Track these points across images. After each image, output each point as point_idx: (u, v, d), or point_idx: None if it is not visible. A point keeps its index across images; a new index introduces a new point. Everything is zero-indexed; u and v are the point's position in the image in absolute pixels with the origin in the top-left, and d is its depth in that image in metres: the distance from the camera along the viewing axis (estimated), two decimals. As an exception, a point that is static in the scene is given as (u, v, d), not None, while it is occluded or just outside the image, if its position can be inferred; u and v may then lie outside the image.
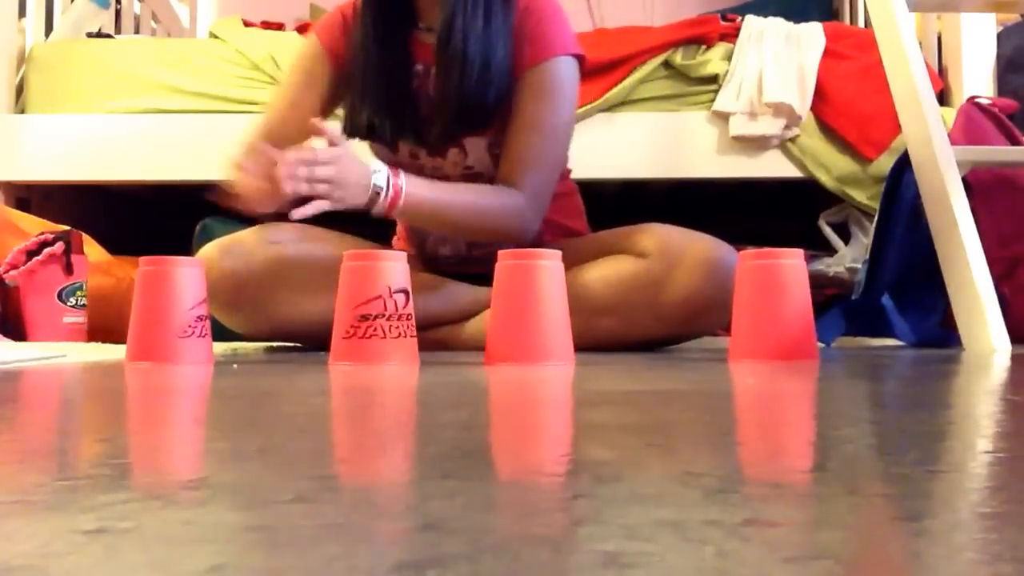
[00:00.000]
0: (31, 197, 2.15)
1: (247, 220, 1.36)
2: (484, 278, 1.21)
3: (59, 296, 1.74)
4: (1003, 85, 1.96)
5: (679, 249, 1.23)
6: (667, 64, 2.03)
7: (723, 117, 1.99)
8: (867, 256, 1.53)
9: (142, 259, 1.01)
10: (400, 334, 0.96)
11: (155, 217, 2.30)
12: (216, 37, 2.18)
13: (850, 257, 1.95)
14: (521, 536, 0.22)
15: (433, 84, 1.32)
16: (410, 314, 0.98)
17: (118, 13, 2.66)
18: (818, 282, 1.70)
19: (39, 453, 0.38)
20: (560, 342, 0.94)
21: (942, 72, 2.08)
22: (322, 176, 1.12)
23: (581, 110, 1.98)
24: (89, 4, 2.33)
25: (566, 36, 1.33)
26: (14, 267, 1.74)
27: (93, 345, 1.57)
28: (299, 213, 1.12)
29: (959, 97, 1.93)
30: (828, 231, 2.03)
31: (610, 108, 2.01)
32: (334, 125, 1.22)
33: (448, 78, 1.27)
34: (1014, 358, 1.04)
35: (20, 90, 2.15)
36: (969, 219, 1.25)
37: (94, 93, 2.09)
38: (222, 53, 2.12)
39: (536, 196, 1.30)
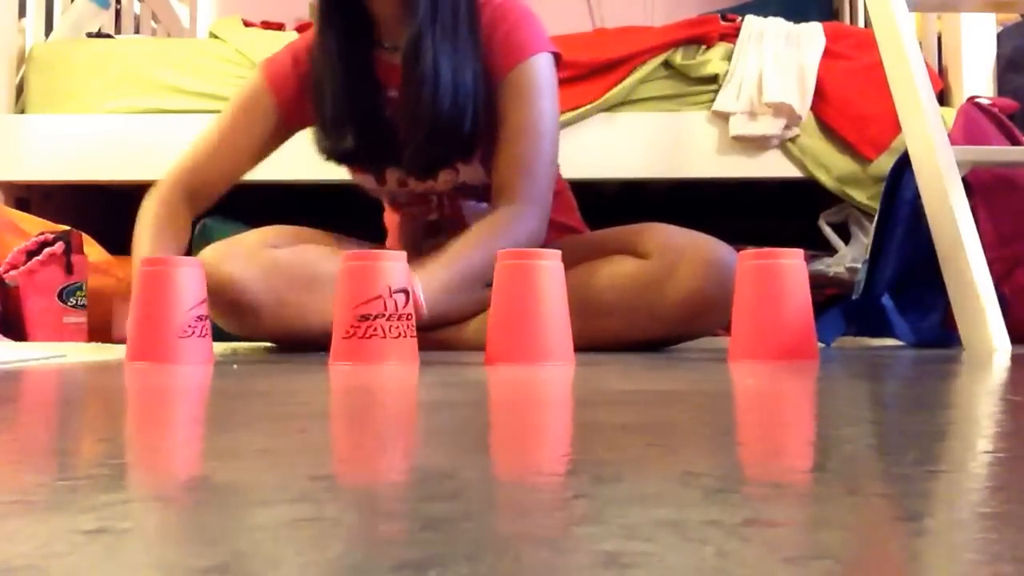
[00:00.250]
0: (31, 197, 2.15)
1: (247, 220, 1.37)
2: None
3: (59, 296, 1.74)
4: (1003, 85, 1.96)
5: (679, 249, 1.23)
6: (667, 64, 2.03)
7: (723, 117, 1.99)
8: (867, 256, 1.53)
9: (142, 259, 1.01)
10: (400, 334, 0.96)
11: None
12: (216, 37, 2.18)
13: (850, 257, 1.95)
14: (521, 536, 0.22)
15: (403, 108, 1.28)
16: (410, 314, 0.98)
17: (118, 13, 2.66)
18: (818, 282, 1.70)
19: (39, 453, 0.38)
20: (560, 342, 0.94)
21: (942, 72, 2.08)
22: None
23: (581, 110, 1.99)
24: (89, 4, 2.33)
25: (538, 36, 1.32)
26: (14, 267, 1.74)
27: (93, 345, 1.57)
28: None
29: (959, 97, 1.93)
30: (828, 231, 2.03)
31: (610, 108, 2.01)
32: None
33: (419, 102, 1.24)
34: (1014, 358, 1.04)
35: (20, 90, 2.15)
36: (969, 219, 1.25)
37: (94, 93, 2.09)
38: (222, 53, 2.12)
39: (538, 201, 1.29)
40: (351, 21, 1.30)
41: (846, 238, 2.01)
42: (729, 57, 2.02)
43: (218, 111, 2.02)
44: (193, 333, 0.97)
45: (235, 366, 0.96)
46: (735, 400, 0.61)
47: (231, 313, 1.27)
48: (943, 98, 2.01)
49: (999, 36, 2.01)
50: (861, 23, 2.69)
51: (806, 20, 2.11)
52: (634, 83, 2.01)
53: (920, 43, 1.60)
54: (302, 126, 1.39)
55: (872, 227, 1.57)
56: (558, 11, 3.20)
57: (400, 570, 0.19)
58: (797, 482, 0.30)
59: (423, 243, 1.40)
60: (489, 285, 0.99)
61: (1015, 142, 1.57)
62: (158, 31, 2.91)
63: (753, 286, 0.98)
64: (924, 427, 0.44)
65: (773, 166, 1.98)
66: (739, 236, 1.50)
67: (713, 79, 2.01)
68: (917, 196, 1.36)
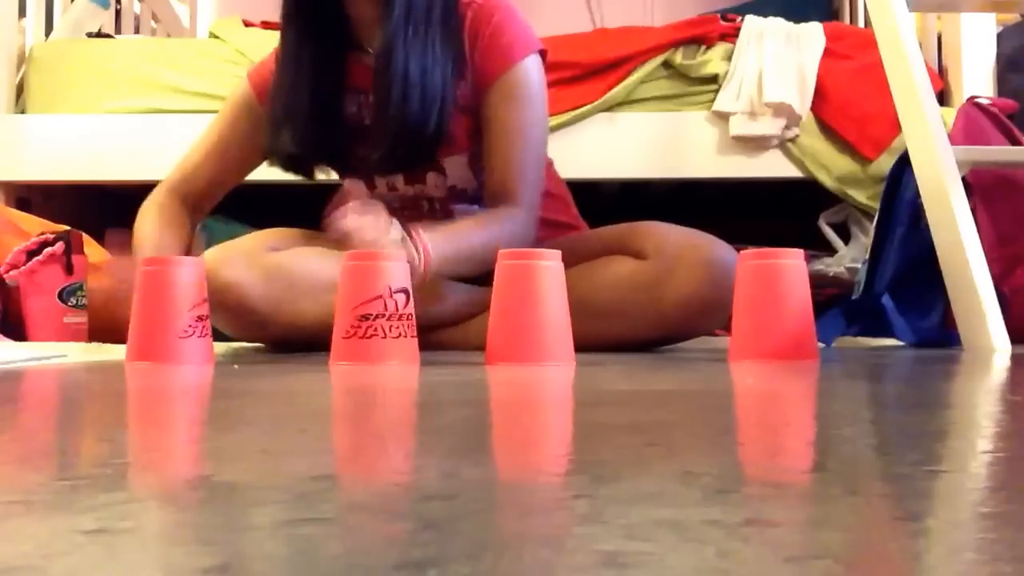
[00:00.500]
0: (31, 197, 2.15)
1: (248, 221, 1.37)
2: (483, 279, 1.21)
3: (59, 296, 1.74)
4: (1003, 85, 1.96)
5: (678, 250, 1.23)
6: (667, 64, 2.03)
7: (723, 117, 1.99)
8: (867, 256, 1.53)
9: (143, 259, 1.00)
10: (400, 334, 0.96)
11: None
12: (216, 37, 2.18)
13: (850, 257, 1.95)
14: (521, 536, 0.22)
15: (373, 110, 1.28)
16: (410, 314, 0.98)
17: (118, 13, 2.66)
18: (818, 282, 1.70)
19: (39, 453, 0.38)
20: (560, 342, 0.94)
21: (942, 72, 2.08)
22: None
23: (581, 110, 1.99)
24: (89, 4, 2.33)
25: (525, 36, 1.31)
26: (14, 267, 1.74)
27: (93, 345, 1.57)
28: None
29: (959, 97, 1.93)
30: (828, 231, 2.03)
31: (610, 108, 2.01)
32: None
33: (387, 103, 1.23)
34: (1014, 358, 1.04)
35: (20, 90, 2.15)
36: (969, 219, 1.25)
37: (94, 93, 2.09)
38: (222, 53, 2.12)
39: (531, 204, 1.30)
40: (317, 24, 1.29)
41: (846, 238, 2.01)
42: (729, 57, 2.02)
43: (218, 111, 2.04)
44: (193, 333, 0.97)
45: (236, 366, 0.96)
46: (735, 400, 0.61)
47: (232, 316, 1.27)
48: (943, 98, 2.01)
49: (999, 36, 2.01)
50: (861, 23, 2.69)
51: (806, 20, 2.10)
52: (634, 83, 2.01)
53: (920, 43, 1.60)
54: None
55: (872, 227, 1.57)
56: (558, 11, 3.21)
57: (400, 570, 0.19)
58: (797, 482, 0.30)
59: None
60: (486, 279, 0.99)
61: (1015, 142, 1.57)
62: (158, 31, 2.91)
63: (753, 286, 0.98)
64: (924, 427, 0.44)
65: (773, 166, 1.98)
66: (739, 236, 1.49)
67: (713, 79, 2.01)
68: (917, 196, 1.36)
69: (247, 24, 2.26)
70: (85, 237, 1.84)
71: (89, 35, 2.28)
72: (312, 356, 1.13)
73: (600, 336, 1.23)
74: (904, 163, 1.43)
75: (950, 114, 1.71)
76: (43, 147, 2.06)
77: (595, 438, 0.40)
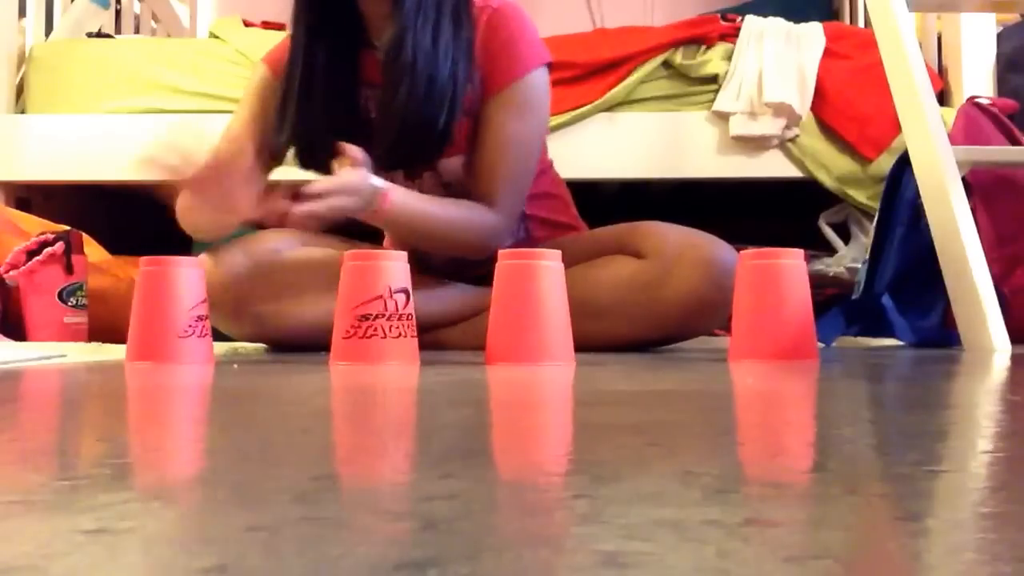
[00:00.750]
0: (31, 197, 2.15)
1: (249, 222, 1.36)
2: (482, 279, 1.21)
3: (59, 296, 1.74)
4: (1003, 85, 1.96)
5: (678, 249, 1.23)
6: (667, 64, 2.03)
7: (723, 117, 1.99)
8: (867, 256, 1.53)
9: (143, 259, 1.00)
10: (400, 334, 0.96)
11: (155, 217, 2.30)
12: (216, 37, 2.18)
13: (850, 257, 1.95)
14: (521, 536, 0.22)
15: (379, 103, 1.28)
16: (410, 314, 0.98)
17: (118, 13, 2.66)
18: (818, 282, 1.70)
19: (39, 453, 0.38)
20: (560, 342, 0.94)
21: (942, 72, 2.08)
22: (339, 205, 1.11)
23: (581, 110, 1.99)
24: (89, 4, 2.33)
25: (535, 47, 1.31)
26: (14, 267, 1.74)
27: (93, 345, 1.57)
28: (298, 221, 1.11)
29: (959, 97, 1.93)
30: (828, 231, 2.03)
31: (610, 108, 2.01)
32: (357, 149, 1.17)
33: (395, 98, 1.23)
34: (1014, 358, 1.04)
35: (20, 90, 2.15)
36: (969, 219, 1.25)
37: (94, 93, 2.09)
38: (222, 53, 2.12)
39: (510, 214, 1.30)
40: (327, 20, 1.29)
41: (846, 238, 2.01)
42: (729, 57, 2.02)
43: (218, 111, 2.04)
44: (193, 333, 0.97)
45: (235, 366, 0.96)
46: (735, 400, 0.61)
47: (232, 316, 1.27)
48: (943, 98, 2.01)
49: (999, 36, 2.01)
50: (861, 23, 2.69)
51: (806, 20, 2.10)
52: (634, 83, 2.01)
53: (920, 43, 1.60)
54: None
55: (872, 227, 1.57)
56: (558, 11, 3.20)
57: (400, 570, 0.19)
58: (797, 482, 0.30)
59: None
60: (486, 279, 0.99)
61: (1015, 142, 1.57)
62: (158, 31, 2.91)
63: (753, 286, 0.98)
64: (924, 427, 0.44)
65: (773, 166, 1.98)
66: (739, 236, 1.49)
67: (713, 79, 2.01)
68: (917, 196, 1.36)
69: (247, 24, 2.26)
70: (85, 237, 1.84)
71: (89, 35, 2.28)
72: (312, 356, 1.13)
73: (600, 336, 1.23)
74: (904, 163, 1.43)
75: (950, 114, 1.71)
76: (43, 147, 2.06)
77: (595, 438, 0.40)
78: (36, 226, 1.85)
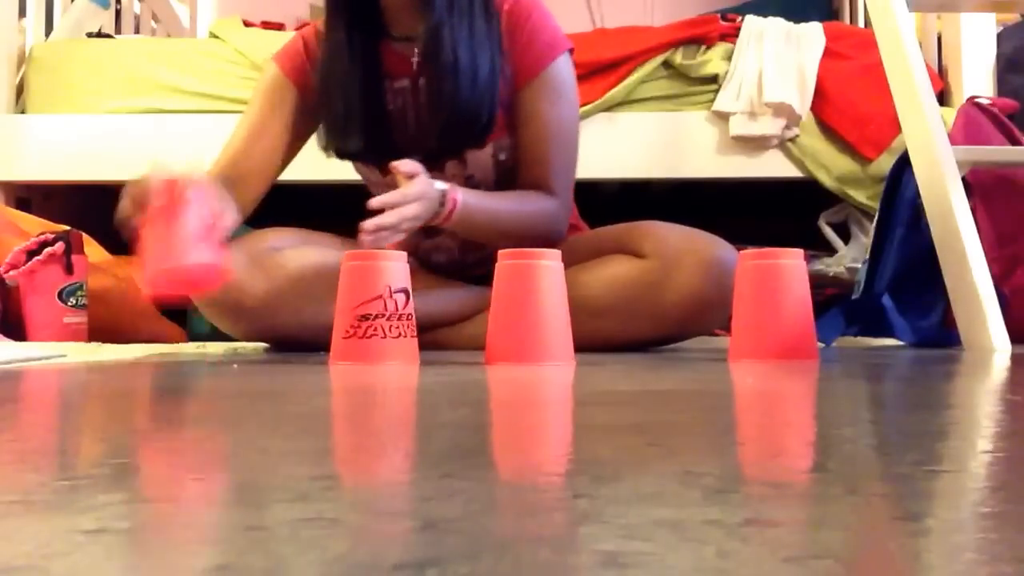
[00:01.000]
0: (31, 197, 2.15)
1: (250, 222, 1.36)
2: (482, 279, 1.21)
3: (59, 296, 1.74)
4: (1003, 85, 1.96)
5: (678, 249, 1.23)
6: (667, 64, 2.03)
7: (723, 117, 1.99)
8: (867, 256, 1.53)
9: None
10: (400, 334, 0.96)
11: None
12: (216, 37, 2.18)
13: (850, 257, 1.95)
14: (521, 536, 0.22)
15: (422, 97, 1.30)
16: (410, 314, 0.98)
17: (118, 13, 2.66)
18: (818, 282, 1.70)
19: (39, 453, 0.38)
20: (560, 342, 0.94)
21: (942, 72, 2.08)
22: (411, 215, 1.10)
23: (581, 110, 1.99)
24: (89, 4, 2.33)
25: (558, 34, 1.34)
26: (14, 267, 1.74)
27: (93, 345, 1.57)
28: (373, 241, 1.07)
29: (959, 97, 1.93)
30: (828, 231, 2.03)
31: (610, 108, 2.01)
32: (408, 163, 1.15)
33: (440, 92, 1.25)
34: (1014, 358, 1.04)
35: (20, 90, 2.15)
36: (969, 219, 1.25)
37: (94, 93, 2.09)
38: (222, 53, 2.12)
39: (566, 198, 1.33)
40: (359, 13, 1.30)
41: (846, 238, 2.01)
42: (729, 57, 2.02)
43: (218, 111, 2.04)
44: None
45: (235, 366, 0.96)
46: (735, 400, 0.61)
47: (233, 316, 1.27)
48: (943, 98, 2.01)
49: (999, 36, 2.01)
50: (861, 23, 2.69)
51: (806, 20, 2.11)
52: (634, 83, 2.01)
53: (920, 43, 1.60)
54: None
55: (872, 227, 1.57)
56: (558, 11, 3.20)
57: (400, 570, 0.19)
58: (797, 482, 0.30)
59: (422, 243, 1.40)
60: (486, 279, 0.99)
61: (1015, 142, 1.57)
62: (158, 31, 2.91)
63: (753, 286, 0.98)
64: (924, 427, 0.44)
65: (773, 166, 1.98)
66: (739, 236, 1.50)
67: (713, 79, 2.01)
68: (917, 196, 1.36)
69: (247, 24, 2.26)
70: (85, 237, 1.84)
71: (89, 35, 2.28)
72: (312, 356, 1.13)
73: (600, 336, 1.23)
74: (904, 163, 1.43)
75: (950, 114, 1.72)
76: (43, 147, 2.06)
77: (595, 438, 0.40)
78: (36, 226, 1.84)
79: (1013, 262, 1.45)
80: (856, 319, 1.46)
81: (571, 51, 1.35)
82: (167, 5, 2.95)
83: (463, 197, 1.18)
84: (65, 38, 2.24)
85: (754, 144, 1.98)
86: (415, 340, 0.98)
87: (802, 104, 1.95)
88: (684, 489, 0.27)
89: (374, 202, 1.08)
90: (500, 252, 0.97)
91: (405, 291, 0.97)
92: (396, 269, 0.97)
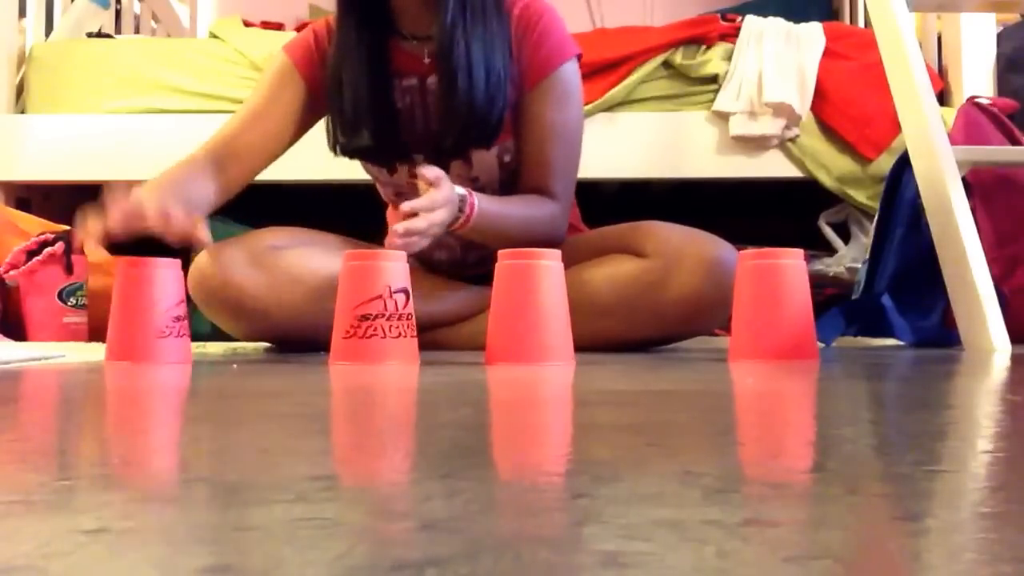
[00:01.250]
0: (31, 197, 2.15)
1: (250, 221, 1.36)
2: (482, 279, 1.21)
3: (59, 296, 1.74)
4: (1003, 85, 1.96)
5: (678, 249, 1.23)
6: (667, 64, 2.03)
7: (723, 117, 1.99)
8: (867, 256, 1.53)
9: (121, 260, 1.01)
10: (400, 334, 0.96)
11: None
12: (216, 37, 2.18)
13: (850, 257, 1.95)
14: (521, 536, 0.22)
15: (430, 96, 1.30)
16: (410, 314, 0.98)
17: (118, 13, 2.66)
18: (818, 282, 1.70)
19: (39, 453, 0.38)
20: (560, 342, 0.94)
21: (942, 72, 2.08)
22: (439, 220, 1.10)
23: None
24: (89, 4, 2.33)
25: (567, 38, 1.34)
26: (14, 267, 1.74)
27: (93, 345, 1.57)
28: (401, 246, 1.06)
29: (959, 97, 1.93)
30: (828, 231, 2.03)
31: (610, 108, 2.01)
32: (430, 168, 1.14)
33: (454, 91, 1.25)
34: (1014, 358, 1.04)
35: (20, 90, 2.15)
36: (969, 219, 1.25)
37: (94, 93, 2.09)
38: (222, 53, 2.12)
39: (567, 202, 1.33)
40: (370, 11, 1.30)
41: (846, 238, 2.01)
42: (729, 57, 2.02)
43: (218, 111, 2.04)
44: (171, 333, 0.98)
45: (235, 366, 0.96)
46: (735, 400, 0.61)
47: (232, 315, 1.27)
48: (943, 98, 2.01)
49: (999, 36, 2.01)
50: (861, 23, 2.69)
51: (806, 20, 2.11)
52: (634, 83, 2.01)
53: (920, 43, 1.60)
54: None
55: (872, 227, 1.57)
56: (558, 11, 3.21)
57: (400, 570, 0.19)
58: (797, 482, 0.30)
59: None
60: (486, 279, 0.99)
61: (1015, 142, 1.57)
62: (158, 31, 2.91)
63: (753, 286, 0.98)
64: (924, 427, 0.44)
65: (773, 166, 1.98)
66: (739, 236, 1.50)
67: (713, 79, 2.01)
68: (917, 196, 1.36)
69: (247, 24, 2.27)
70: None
71: (89, 35, 2.28)
72: (312, 356, 1.13)
73: (600, 335, 1.23)
74: (904, 163, 1.43)
75: (950, 114, 1.72)
76: (43, 147, 2.06)
77: (595, 438, 0.40)
78: (36, 226, 1.85)
79: (1013, 262, 1.45)
80: (856, 319, 1.46)
81: (579, 57, 1.35)
82: (167, 5, 2.95)
83: (479, 203, 1.19)
84: (65, 38, 2.24)
85: (754, 144, 1.98)
86: (415, 340, 0.98)
87: (802, 104, 1.95)
88: (684, 489, 0.27)
89: (405, 206, 1.08)
90: (500, 252, 0.97)
91: (405, 291, 0.97)
92: (396, 269, 0.97)
